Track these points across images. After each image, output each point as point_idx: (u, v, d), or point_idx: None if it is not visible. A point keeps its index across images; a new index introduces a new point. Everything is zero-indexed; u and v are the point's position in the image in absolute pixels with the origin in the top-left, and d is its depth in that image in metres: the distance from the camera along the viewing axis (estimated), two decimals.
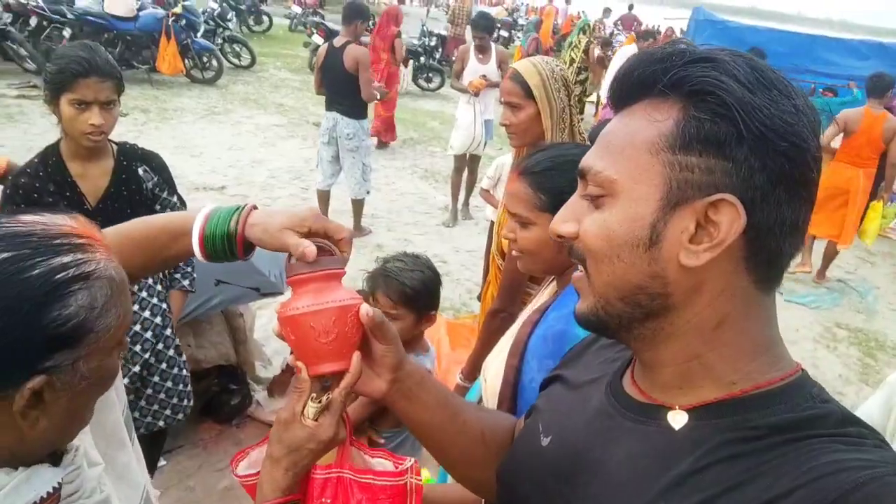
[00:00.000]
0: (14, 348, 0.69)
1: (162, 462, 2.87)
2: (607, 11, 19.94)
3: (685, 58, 0.65)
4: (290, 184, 6.92)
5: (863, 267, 6.89)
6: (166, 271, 2.45)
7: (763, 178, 0.63)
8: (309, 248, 0.87)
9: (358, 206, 5.78)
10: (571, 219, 0.73)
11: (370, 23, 8.14)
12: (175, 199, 2.38)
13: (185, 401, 2.47)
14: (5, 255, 0.69)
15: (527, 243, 1.42)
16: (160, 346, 2.33)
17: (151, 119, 8.45)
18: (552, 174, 1.39)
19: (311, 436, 0.87)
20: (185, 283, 2.49)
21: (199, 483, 2.91)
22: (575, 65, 10.23)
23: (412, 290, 1.99)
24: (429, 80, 13.04)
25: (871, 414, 1.41)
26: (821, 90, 8.44)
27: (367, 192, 5.81)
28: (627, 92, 0.70)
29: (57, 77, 2.01)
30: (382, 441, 2.08)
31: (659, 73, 0.66)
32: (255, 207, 0.96)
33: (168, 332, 2.36)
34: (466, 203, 6.67)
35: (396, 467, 1.00)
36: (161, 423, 2.40)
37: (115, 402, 0.95)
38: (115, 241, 0.96)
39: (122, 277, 0.80)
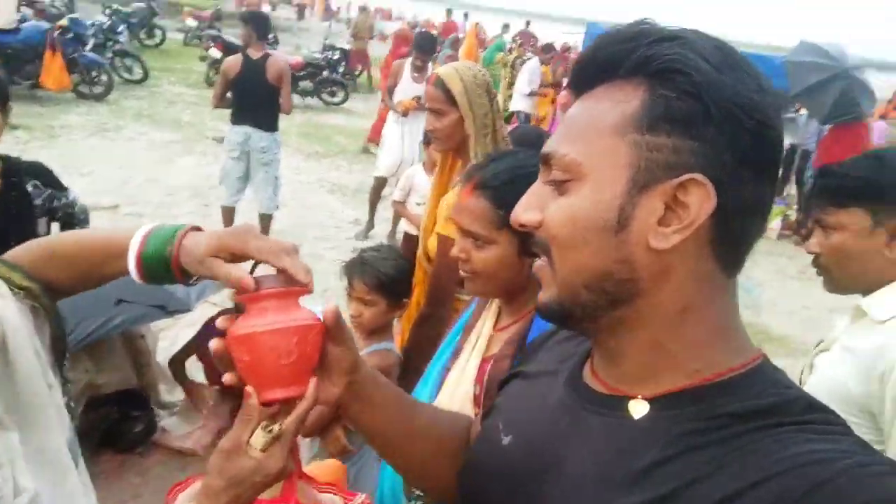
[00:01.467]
0: None
1: None
2: (506, 27, 20.48)
3: (650, 37, 0.64)
4: (189, 201, 6.65)
5: (747, 264, 7.33)
6: (66, 230, 2.33)
7: (730, 156, 0.62)
8: (246, 279, 0.80)
9: (267, 221, 5.62)
10: (534, 206, 0.70)
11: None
12: (66, 196, 2.26)
13: None
14: None
15: (483, 265, 1.30)
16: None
17: (36, 137, 7.93)
18: (512, 188, 1.22)
19: (258, 468, 0.79)
20: None
21: None
22: (506, 80, 10.49)
23: (387, 277, 2.12)
24: (332, 94, 12.93)
25: (843, 390, 1.38)
26: None
27: (276, 207, 5.66)
28: (590, 75, 0.69)
29: None
30: (353, 450, 2.07)
31: (624, 54, 0.64)
32: (196, 228, 0.89)
33: None
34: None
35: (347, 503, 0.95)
36: None
37: (55, 425, 0.88)
38: (43, 255, 0.92)
39: None
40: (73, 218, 2.30)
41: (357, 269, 2.16)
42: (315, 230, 6.47)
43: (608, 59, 0.66)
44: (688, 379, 0.67)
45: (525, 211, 0.71)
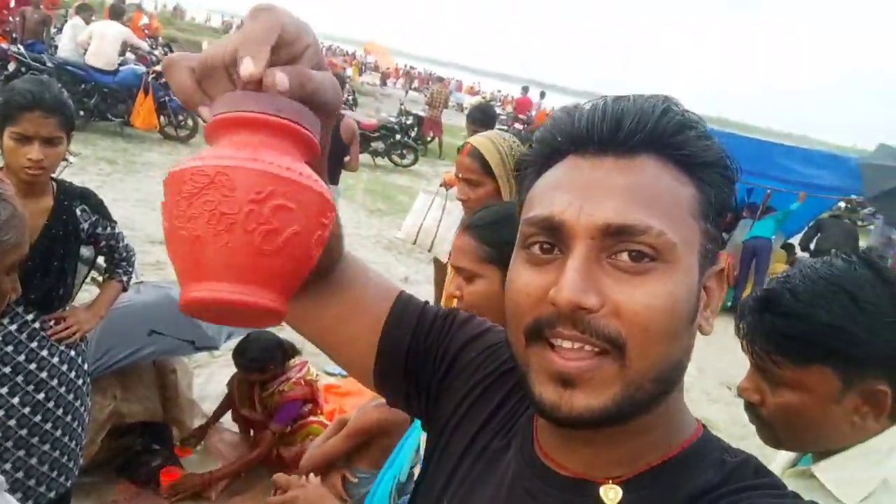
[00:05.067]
0: None
1: None
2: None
3: (692, 124, 0.62)
4: None
5: None
6: (108, 262, 2.41)
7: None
8: None
9: None
10: (592, 288, 0.58)
11: None
12: (113, 228, 2.31)
13: (73, 463, 2.24)
14: None
15: (473, 298, 1.40)
16: (68, 394, 2.18)
17: (117, 171, 8.38)
18: (497, 227, 1.39)
19: None
20: (124, 278, 2.42)
21: None
22: None
23: None
24: (402, 157, 13.29)
25: None
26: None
27: None
28: (628, 139, 0.61)
29: (1, 109, 1.97)
30: (356, 480, 2.06)
31: (675, 137, 0.61)
32: None
33: (73, 376, 2.21)
34: None
35: None
36: (52, 495, 2.16)
37: None
38: None
39: (25, 216, 0.99)
40: (115, 251, 2.36)
41: None
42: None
43: (656, 133, 0.61)
44: (659, 457, 0.64)
45: (584, 292, 0.57)
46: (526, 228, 0.64)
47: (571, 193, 0.61)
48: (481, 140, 2.29)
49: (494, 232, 1.39)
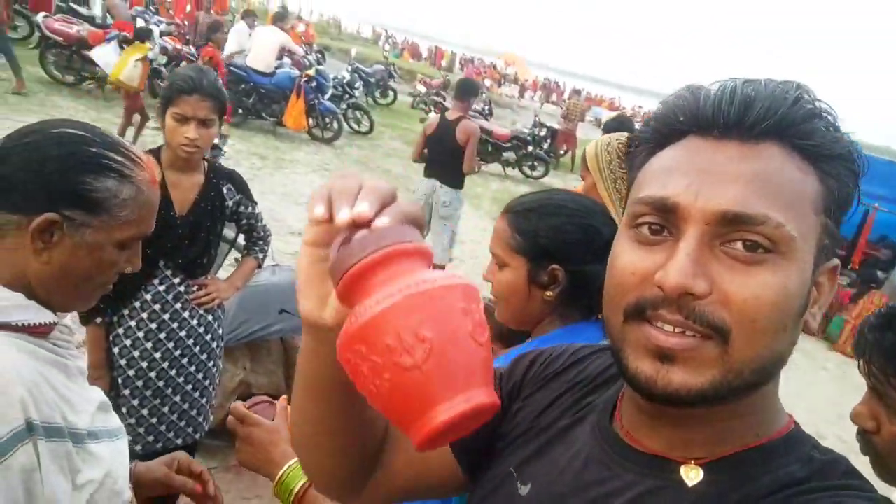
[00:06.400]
0: (48, 184, 0.95)
1: None
2: None
3: (825, 115, 0.61)
4: None
5: None
6: (247, 241, 2.64)
7: None
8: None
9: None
10: (702, 274, 0.57)
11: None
12: (253, 208, 2.53)
13: (202, 418, 2.45)
14: (85, 133, 1.00)
15: (499, 287, 1.33)
16: (201, 353, 2.39)
17: (267, 166, 9.00)
18: (532, 216, 1.31)
19: None
20: (260, 255, 2.64)
21: None
22: None
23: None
24: (532, 168, 13.26)
25: None
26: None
27: (450, 260, 5.90)
28: (757, 124, 0.59)
29: (165, 92, 2.23)
30: None
31: (805, 127, 0.60)
32: None
33: (209, 339, 2.42)
34: None
35: None
36: (179, 441, 2.37)
37: None
38: None
39: (153, 202, 1.06)
40: (254, 229, 2.58)
41: None
42: (486, 289, 6.56)
43: (782, 120, 0.59)
44: (745, 444, 0.63)
45: (695, 278, 0.56)
46: (636, 207, 0.63)
47: (689, 176, 0.59)
48: (592, 142, 2.52)
49: (529, 221, 1.32)
